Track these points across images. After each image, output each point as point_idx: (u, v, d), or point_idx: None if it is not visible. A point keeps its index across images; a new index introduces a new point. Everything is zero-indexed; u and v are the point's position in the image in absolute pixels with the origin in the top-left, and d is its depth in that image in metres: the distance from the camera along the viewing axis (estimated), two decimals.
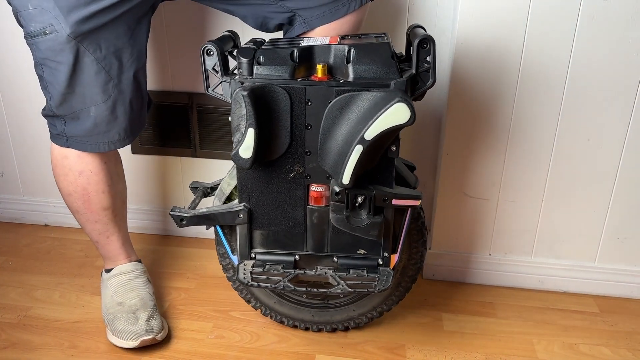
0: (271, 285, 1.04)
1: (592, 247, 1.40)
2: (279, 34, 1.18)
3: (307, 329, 1.27)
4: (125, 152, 1.55)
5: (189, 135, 1.52)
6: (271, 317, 1.26)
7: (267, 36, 1.13)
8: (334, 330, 1.26)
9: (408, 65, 1.00)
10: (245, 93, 0.89)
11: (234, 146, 0.94)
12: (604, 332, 1.31)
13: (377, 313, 1.24)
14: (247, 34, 1.27)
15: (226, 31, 1.10)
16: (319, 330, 1.27)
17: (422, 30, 1.02)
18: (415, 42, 0.95)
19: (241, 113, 0.92)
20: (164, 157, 1.57)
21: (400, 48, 1.18)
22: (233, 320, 1.31)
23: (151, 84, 1.49)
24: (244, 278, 1.05)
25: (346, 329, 1.27)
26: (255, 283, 1.05)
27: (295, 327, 1.27)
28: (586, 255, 1.41)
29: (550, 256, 1.42)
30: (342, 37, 1.04)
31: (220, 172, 1.54)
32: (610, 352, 1.25)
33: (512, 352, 1.24)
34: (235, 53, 1.08)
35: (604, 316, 1.36)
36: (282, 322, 1.27)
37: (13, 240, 1.61)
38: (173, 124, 1.52)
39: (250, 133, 0.91)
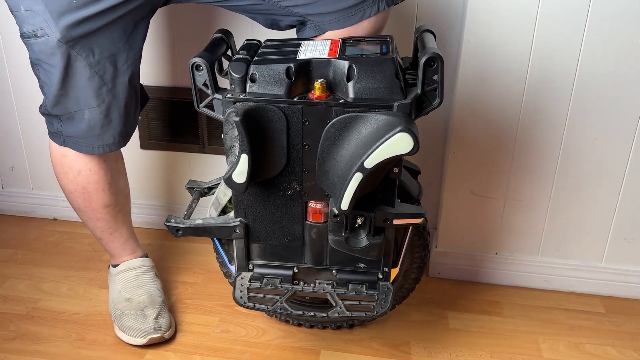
0: (268, 307, 1.01)
1: (599, 248, 1.39)
2: (291, 33, 1.17)
3: (312, 326, 1.27)
4: (133, 147, 1.57)
5: (197, 131, 1.53)
6: (276, 317, 1.27)
7: (263, 36, 1.10)
8: (338, 327, 1.27)
9: (414, 75, 0.93)
10: (237, 119, 0.84)
11: (228, 169, 0.90)
12: (610, 332, 1.30)
13: None
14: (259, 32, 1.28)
15: (218, 31, 1.05)
16: (324, 328, 1.27)
17: (431, 41, 0.96)
18: (422, 61, 0.88)
19: (234, 134, 0.88)
20: (172, 153, 1.58)
21: (407, 49, 1.17)
22: (239, 314, 1.32)
23: (160, 80, 1.49)
24: (241, 297, 1.02)
25: (351, 327, 1.27)
26: (252, 304, 1.02)
27: (300, 325, 1.27)
28: (593, 256, 1.40)
29: (556, 256, 1.42)
30: (344, 41, 0.98)
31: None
32: (616, 352, 1.25)
33: (517, 351, 1.24)
34: (228, 54, 1.05)
35: (610, 316, 1.35)
36: (287, 322, 1.27)
37: (22, 234, 1.63)
38: (181, 120, 1.53)
39: (244, 159, 0.87)
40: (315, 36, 1.06)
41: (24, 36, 1.03)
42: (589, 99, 1.25)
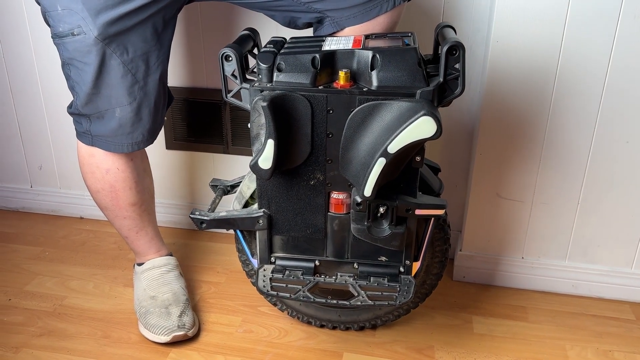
0: (290, 295, 1.03)
1: (629, 253, 1.36)
2: (307, 32, 1.18)
3: (334, 328, 1.27)
4: (159, 147, 1.58)
5: (222, 132, 1.54)
6: (298, 319, 1.27)
7: (287, 34, 1.11)
8: (361, 328, 1.26)
9: (436, 68, 0.95)
10: (265, 104, 0.87)
11: (253, 156, 0.92)
12: None
13: (403, 310, 1.23)
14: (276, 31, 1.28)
15: (245, 29, 1.07)
16: (347, 329, 1.26)
17: (451, 33, 0.98)
18: (444, 49, 0.89)
19: (260, 122, 0.90)
20: (196, 153, 1.59)
21: (431, 47, 1.17)
22: (262, 315, 1.32)
23: (185, 81, 1.51)
24: (264, 286, 1.04)
25: (374, 327, 1.27)
26: (275, 292, 1.04)
27: (322, 326, 1.27)
28: (622, 261, 1.37)
29: (584, 261, 1.39)
30: (367, 37, 1.00)
31: None
32: None
33: (543, 357, 1.22)
34: (254, 52, 1.06)
35: None
36: (309, 323, 1.27)
37: (50, 232, 1.66)
38: (206, 121, 1.54)
39: (270, 144, 0.89)
40: (334, 33, 1.08)
41: (58, 36, 1.05)
42: (620, 100, 1.22)
